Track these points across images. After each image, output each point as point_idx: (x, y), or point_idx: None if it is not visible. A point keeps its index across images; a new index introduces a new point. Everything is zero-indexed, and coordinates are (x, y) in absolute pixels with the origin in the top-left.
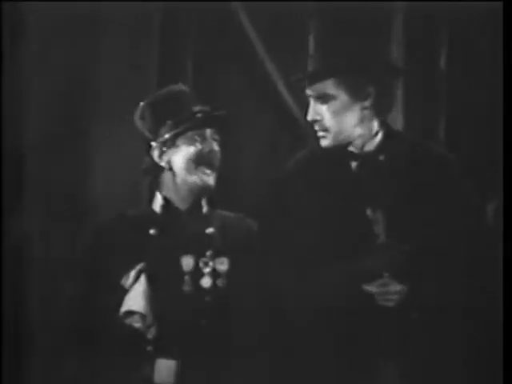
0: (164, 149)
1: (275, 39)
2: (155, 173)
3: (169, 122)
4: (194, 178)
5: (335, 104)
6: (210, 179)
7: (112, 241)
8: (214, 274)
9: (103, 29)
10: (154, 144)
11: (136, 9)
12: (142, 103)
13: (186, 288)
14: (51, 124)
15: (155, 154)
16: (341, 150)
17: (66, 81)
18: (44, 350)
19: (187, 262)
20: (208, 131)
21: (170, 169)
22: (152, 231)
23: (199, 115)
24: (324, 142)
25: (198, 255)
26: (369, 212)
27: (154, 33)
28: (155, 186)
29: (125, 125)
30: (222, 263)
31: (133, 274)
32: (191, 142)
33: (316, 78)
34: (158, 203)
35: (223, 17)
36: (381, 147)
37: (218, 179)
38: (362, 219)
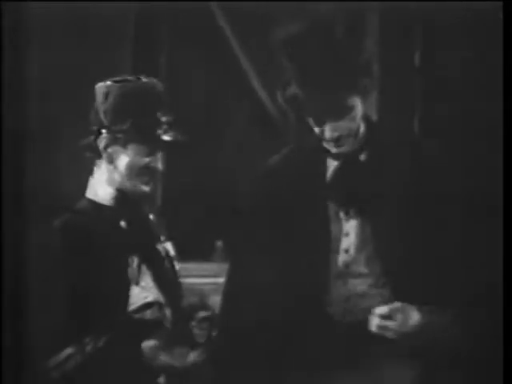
0: (112, 143)
1: (251, 37)
2: (93, 156)
3: (130, 121)
4: (131, 184)
5: None
6: (147, 188)
7: (87, 238)
8: (175, 258)
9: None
10: (104, 133)
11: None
12: (108, 82)
13: (174, 273)
14: (51, 123)
15: (102, 143)
16: (320, 148)
17: (66, 80)
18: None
19: (162, 248)
20: None
21: (111, 163)
22: (122, 223)
23: (162, 131)
24: None
25: (161, 241)
26: (334, 210)
27: (129, 33)
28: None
29: None
30: (170, 248)
31: (134, 268)
32: (141, 153)
33: None
34: (107, 194)
35: (199, 16)
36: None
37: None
38: (324, 218)
